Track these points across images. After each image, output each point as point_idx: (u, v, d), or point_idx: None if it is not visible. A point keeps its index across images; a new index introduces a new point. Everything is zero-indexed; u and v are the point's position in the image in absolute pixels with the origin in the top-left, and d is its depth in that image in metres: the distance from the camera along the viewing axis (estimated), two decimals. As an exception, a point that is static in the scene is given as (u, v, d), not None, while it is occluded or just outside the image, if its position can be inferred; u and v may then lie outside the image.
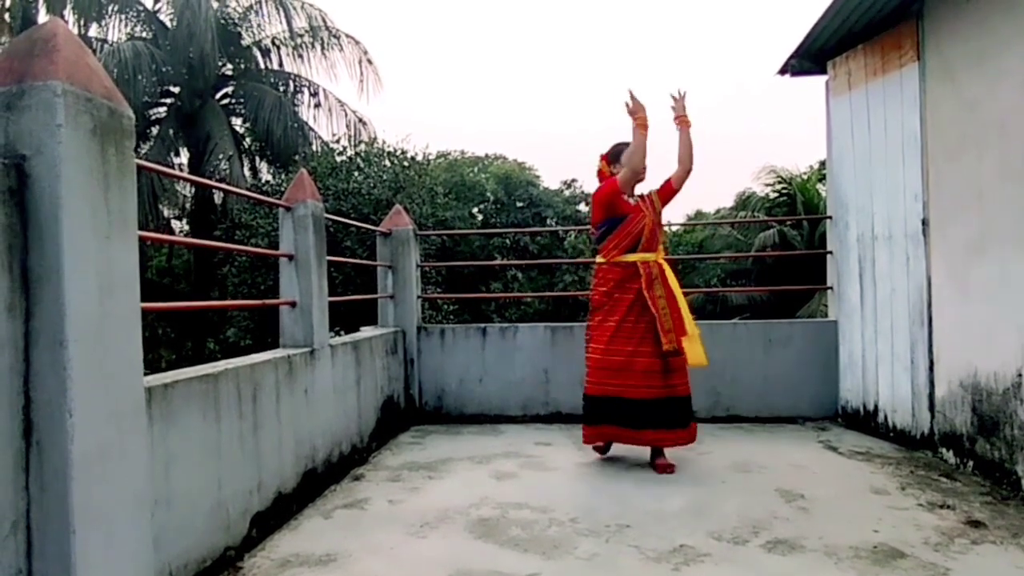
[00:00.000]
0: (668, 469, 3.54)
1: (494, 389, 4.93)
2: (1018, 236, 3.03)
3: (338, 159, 11.89)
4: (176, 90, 13.77)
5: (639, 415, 3.52)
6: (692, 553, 2.47)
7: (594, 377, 3.65)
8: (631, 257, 3.61)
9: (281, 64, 14.47)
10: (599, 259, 3.73)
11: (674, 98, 3.72)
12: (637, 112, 3.52)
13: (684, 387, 3.60)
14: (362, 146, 13.17)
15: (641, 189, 3.78)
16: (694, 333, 3.56)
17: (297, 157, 12.70)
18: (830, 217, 4.81)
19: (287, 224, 3.34)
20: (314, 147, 13.68)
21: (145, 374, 2.03)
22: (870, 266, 4.23)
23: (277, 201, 3.40)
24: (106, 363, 1.65)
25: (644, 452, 3.76)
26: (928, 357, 3.71)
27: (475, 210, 19.67)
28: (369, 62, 14.43)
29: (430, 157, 14.40)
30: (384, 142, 13.10)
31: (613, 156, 3.79)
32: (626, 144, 3.68)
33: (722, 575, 2.31)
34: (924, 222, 3.72)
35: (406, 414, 4.82)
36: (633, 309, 3.56)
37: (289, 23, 13.85)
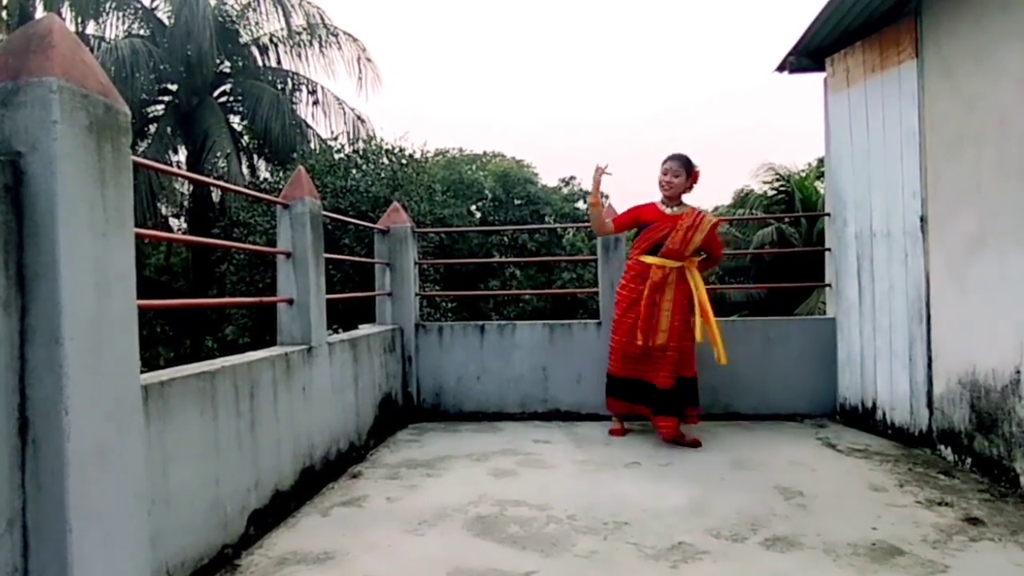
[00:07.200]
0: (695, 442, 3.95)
1: (492, 387, 4.92)
2: (1017, 233, 3.03)
3: (336, 157, 11.88)
4: (174, 88, 13.74)
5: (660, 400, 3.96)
6: (691, 550, 2.47)
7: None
8: (649, 259, 4.04)
9: (279, 62, 14.46)
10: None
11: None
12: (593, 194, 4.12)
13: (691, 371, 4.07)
14: (360, 144, 13.17)
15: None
16: (714, 338, 3.97)
17: (295, 155, 12.68)
18: (828, 214, 4.80)
19: (285, 222, 3.33)
20: (312, 145, 13.67)
21: (143, 372, 2.02)
22: (868, 263, 4.23)
23: (275, 198, 3.40)
24: (102, 360, 1.64)
25: (642, 448, 3.79)
26: (926, 354, 3.71)
27: (473, 208, 19.65)
28: (368, 60, 14.43)
29: (428, 155, 14.39)
30: (382, 140, 13.10)
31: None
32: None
33: (720, 572, 2.31)
34: (922, 219, 3.72)
35: (404, 412, 4.82)
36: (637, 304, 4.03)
37: (287, 20, 13.83)
